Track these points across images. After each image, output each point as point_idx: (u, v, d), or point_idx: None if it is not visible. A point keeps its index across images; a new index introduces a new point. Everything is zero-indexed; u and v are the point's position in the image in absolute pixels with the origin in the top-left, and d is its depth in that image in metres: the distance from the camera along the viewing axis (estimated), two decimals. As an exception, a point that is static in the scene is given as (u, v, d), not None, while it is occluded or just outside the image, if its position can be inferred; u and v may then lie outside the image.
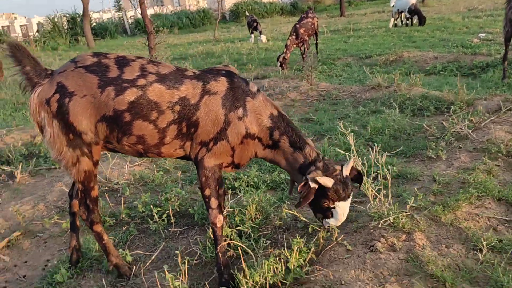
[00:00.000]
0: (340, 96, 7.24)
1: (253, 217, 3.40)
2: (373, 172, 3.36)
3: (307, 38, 10.59)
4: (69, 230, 3.16)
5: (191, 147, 2.71)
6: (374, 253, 2.74)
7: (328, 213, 2.78)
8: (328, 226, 2.86)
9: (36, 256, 3.42)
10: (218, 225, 2.74)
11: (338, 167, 2.72)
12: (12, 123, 7.43)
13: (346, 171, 2.73)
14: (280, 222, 3.35)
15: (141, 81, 2.59)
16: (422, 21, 16.31)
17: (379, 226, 2.97)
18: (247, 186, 4.09)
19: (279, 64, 10.26)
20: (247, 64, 11.75)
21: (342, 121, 4.43)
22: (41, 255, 3.43)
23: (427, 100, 6.09)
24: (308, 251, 2.77)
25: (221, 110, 2.66)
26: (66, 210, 4.07)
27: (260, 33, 18.23)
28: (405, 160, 4.39)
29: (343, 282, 2.52)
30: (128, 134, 2.62)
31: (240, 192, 3.87)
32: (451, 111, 5.50)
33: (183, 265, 2.61)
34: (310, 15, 10.90)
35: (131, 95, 2.54)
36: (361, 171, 2.92)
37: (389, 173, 3.21)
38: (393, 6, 17.66)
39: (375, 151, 3.24)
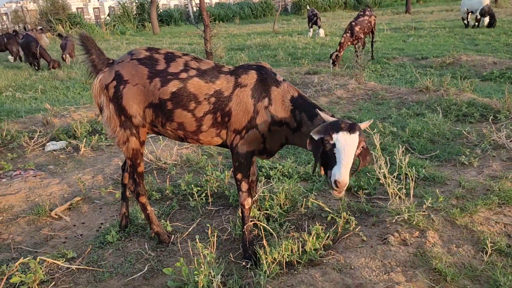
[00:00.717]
0: (386, 97, 7.32)
1: (282, 203, 3.72)
2: (397, 172, 3.54)
3: (362, 36, 10.61)
4: (121, 199, 3.65)
5: (227, 135, 3.05)
6: (386, 245, 2.98)
7: (332, 159, 2.55)
8: (335, 182, 2.50)
9: (92, 219, 3.94)
10: (246, 206, 3.08)
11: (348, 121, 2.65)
12: (80, 101, 8.20)
13: (361, 124, 2.68)
14: (306, 210, 3.65)
15: (183, 75, 2.96)
16: (493, 23, 15.61)
17: (395, 222, 3.19)
18: (282, 175, 4.40)
19: (331, 61, 10.38)
20: (301, 59, 11.96)
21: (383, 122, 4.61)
22: (96, 218, 3.95)
23: (473, 106, 6.07)
24: (326, 237, 3.05)
25: (250, 101, 2.93)
26: (120, 182, 4.60)
27: (319, 27, 18.26)
28: (438, 164, 4.50)
29: (352, 267, 2.78)
30: (170, 121, 3.01)
31: (273, 180, 4.19)
32: (490, 119, 5.47)
33: (212, 237, 2.99)
34: (367, 13, 10.89)
35: (173, 86, 2.93)
36: (368, 150, 2.74)
37: (413, 174, 3.40)
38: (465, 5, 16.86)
39: (400, 152, 3.42)
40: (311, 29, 18.80)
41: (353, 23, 10.51)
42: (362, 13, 10.94)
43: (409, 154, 4.81)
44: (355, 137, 2.52)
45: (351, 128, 2.53)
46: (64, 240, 3.62)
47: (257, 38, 18.12)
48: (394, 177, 3.58)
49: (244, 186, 3.06)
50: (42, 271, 2.94)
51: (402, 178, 3.47)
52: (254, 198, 3.48)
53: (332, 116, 2.81)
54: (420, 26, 18.50)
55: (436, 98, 6.64)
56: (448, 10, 26.56)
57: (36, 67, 12.77)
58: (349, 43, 10.52)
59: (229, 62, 11.49)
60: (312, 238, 2.98)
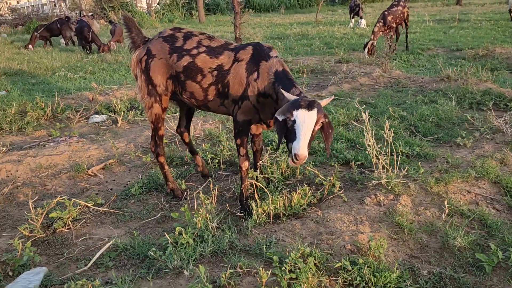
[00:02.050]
0: (408, 85, 7.56)
1: (283, 171, 4.21)
2: (384, 146, 3.93)
3: (394, 26, 10.74)
4: (191, 155, 4.36)
5: (229, 105, 3.56)
6: (361, 205, 3.41)
7: (292, 135, 2.79)
8: (295, 156, 2.74)
9: (121, 177, 4.60)
10: (244, 168, 3.56)
11: (311, 99, 2.85)
12: (123, 82, 8.99)
13: (321, 101, 2.88)
14: (302, 177, 4.11)
15: (194, 51, 3.49)
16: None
17: (375, 187, 3.60)
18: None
19: (366, 50, 10.59)
20: (335, 48, 12.24)
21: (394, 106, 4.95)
22: (125, 177, 4.61)
23: (488, 95, 6.24)
24: (311, 196, 3.52)
25: (244, 74, 3.30)
26: (148, 149, 5.26)
27: (361, 18, 18.30)
28: (435, 145, 4.81)
29: (328, 220, 3.24)
30: (184, 90, 3.57)
31: (278, 151, 4.67)
32: (491, 105, 5.65)
33: (214, 190, 3.54)
34: (401, 3, 11.00)
35: (185, 61, 3.48)
36: (330, 125, 2.96)
37: (400, 150, 3.79)
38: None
39: (387, 127, 3.80)
40: (353, 20, 18.87)
41: (386, 13, 10.67)
42: (396, 2, 11.05)
43: (413, 135, 5.15)
44: (313, 113, 2.76)
45: (310, 106, 2.75)
46: (97, 192, 4.29)
47: (298, 28, 18.45)
48: (386, 151, 3.98)
49: (242, 150, 3.53)
50: (75, 211, 3.60)
51: (394, 154, 3.85)
52: (258, 164, 3.99)
53: (300, 94, 3.03)
54: (466, 18, 18.12)
55: (454, 87, 6.82)
56: (502, 2, 25.57)
57: (88, 51, 13.82)
58: (381, 32, 10.68)
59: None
60: (298, 195, 3.46)
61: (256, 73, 3.29)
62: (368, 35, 15.12)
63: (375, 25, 10.74)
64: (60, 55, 13.53)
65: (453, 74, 7.28)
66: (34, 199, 3.87)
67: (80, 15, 15.61)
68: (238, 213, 3.53)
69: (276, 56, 3.34)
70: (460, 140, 4.65)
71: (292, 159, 2.81)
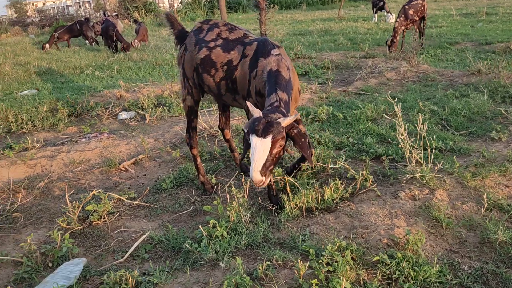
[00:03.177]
0: (437, 79, 7.41)
1: (313, 165, 4.18)
2: (417, 139, 3.86)
3: (417, 19, 10.48)
4: (231, 152, 4.39)
5: (240, 101, 3.43)
6: (396, 199, 3.36)
7: (250, 156, 2.70)
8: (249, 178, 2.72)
9: (152, 172, 4.66)
10: None
11: (279, 115, 2.70)
12: (149, 80, 9.10)
13: (282, 120, 2.66)
14: (333, 171, 4.08)
15: (211, 44, 3.42)
16: None
17: (410, 181, 3.55)
18: (318, 143, 4.84)
19: (387, 47, 10.42)
20: (360, 44, 12.09)
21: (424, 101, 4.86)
22: (155, 172, 4.66)
23: (522, 88, 6.06)
24: (343, 190, 3.49)
25: (247, 70, 3.17)
26: (177, 144, 5.31)
27: (389, 12, 18.00)
28: (469, 139, 4.69)
29: (362, 214, 3.21)
30: (202, 83, 3.57)
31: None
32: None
33: (246, 184, 3.55)
34: (420, -4, 10.73)
35: (202, 53, 3.45)
36: (301, 135, 2.77)
37: (434, 144, 3.72)
38: None
39: (420, 121, 3.73)
40: (376, 15, 18.62)
41: (406, 7, 10.44)
42: (415, -4, 10.78)
43: (445, 130, 5.05)
44: (267, 141, 2.58)
45: (264, 132, 2.57)
46: (128, 186, 4.36)
47: (320, 24, 18.29)
48: (418, 145, 3.91)
49: None
50: (110, 205, 3.66)
51: (427, 149, 3.78)
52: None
53: (273, 104, 2.78)
54: (494, 11, 17.64)
55: (486, 81, 6.65)
56: (531, -5, 24.79)
57: (113, 50, 14.02)
58: (403, 27, 10.42)
59: (288, 46, 11.91)
60: (330, 189, 3.43)
61: (255, 71, 3.13)
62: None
63: (396, 21, 10.50)
64: (87, 54, 13.78)
65: (483, 67, 7.11)
66: (69, 193, 3.95)
67: (105, 15, 15.82)
68: (270, 207, 3.53)
69: (278, 54, 3.10)
70: (495, 134, 4.53)
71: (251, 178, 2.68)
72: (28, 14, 36.94)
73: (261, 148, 2.59)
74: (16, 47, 16.74)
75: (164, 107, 6.88)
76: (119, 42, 13.95)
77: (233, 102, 3.58)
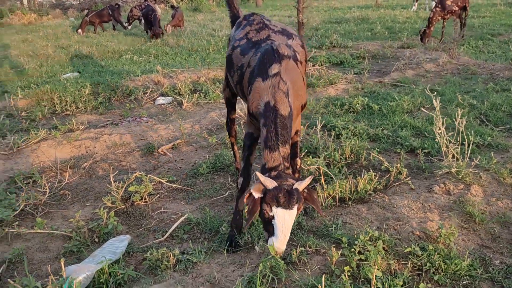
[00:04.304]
0: (478, 72, 7.24)
1: (347, 156, 4.24)
2: (455, 134, 3.85)
3: (456, 9, 10.05)
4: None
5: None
6: (430, 193, 3.39)
7: (269, 227, 2.47)
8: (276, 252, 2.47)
9: (189, 156, 4.83)
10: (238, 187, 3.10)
11: (292, 181, 2.47)
12: (185, 65, 9.28)
13: (298, 185, 2.44)
14: (367, 163, 4.13)
15: (237, 43, 3.32)
16: None
17: (445, 176, 3.56)
18: (353, 135, 4.87)
19: (420, 37, 10.13)
20: (398, 33, 11.89)
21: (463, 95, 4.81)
22: (192, 156, 4.83)
23: None
24: (377, 182, 3.55)
25: (247, 83, 3.00)
26: (213, 131, 5.46)
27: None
28: (507, 135, 4.62)
29: (395, 206, 3.26)
30: (227, 81, 3.61)
31: (341, 137, 4.67)
32: None
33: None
34: (461, -16, 10.32)
35: (228, 51, 3.41)
36: (311, 193, 2.55)
37: (471, 139, 3.71)
38: None
39: (459, 115, 3.72)
40: (416, 3, 18.14)
41: (444, -4, 10.07)
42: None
43: (484, 125, 4.98)
44: (294, 212, 2.41)
45: (290, 204, 2.39)
46: (167, 169, 4.54)
47: (357, 11, 18.01)
48: (456, 140, 3.90)
49: (239, 179, 3.05)
50: (151, 187, 3.85)
51: (464, 143, 3.77)
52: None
53: (280, 164, 2.56)
54: (542, 1, 16.90)
55: (529, 75, 6.47)
56: None
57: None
58: (439, 17, 10.05)
59: (323, 35, 11.84)
60: (364, 180, 3.49)
61: (251, 86, 2.87)
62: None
63: (431, 11, 10.14)
64: (125, 39, 14.11)
65: (528, 61, 6.90)
66: (113, 174, 4.17)
67: (145, 0, 16.05)
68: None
69: (275, 75, 2.72)
70: (536, 131, 4.45)
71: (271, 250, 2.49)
72: (66, -3, 37.82)
73: (289, 220, 2.42)
74: (57, 30, 17.29)
75: (201, 93, 7.04)
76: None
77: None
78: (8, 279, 2.44)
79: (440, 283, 2.48)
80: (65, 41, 14.01)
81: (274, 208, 2.39)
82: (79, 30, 15.69)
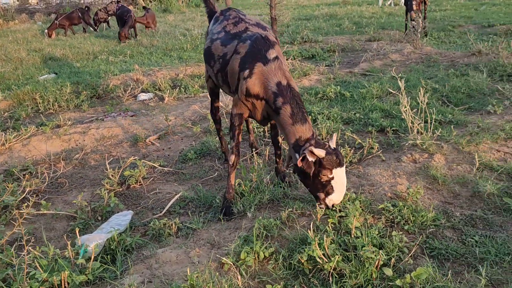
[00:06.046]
0: (439, 60, 7.78)
1: (324, 137, 4.62)
2: (419, 111, 4.29)
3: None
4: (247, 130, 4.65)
5: (233, 93, 3.41)
6: (398, 163, 3.80)
7: (328, 188, 2.88)
8: (333, 205, 2.96)
9: (175, 145, 5.11)
10: (230, 162, 3.37)
11: (325, 143, 2.92)
12: (162, 64, 9.51)
13: (333, 144, 2.92)
14: (341, 141, 4.52)
15: (215, 36, 3.62)
16: None
17: (411, 148, 3.98)
18: (327, 119, 5.26)
19: (412, 21, 10.57)
20: (365, 27, 12.42)
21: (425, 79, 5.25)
22: (179, 145, 5.11)
23: (519, 67, 6.44)
24: (352, 156, 3.93)
25: (237, 68, 3.20)
26: (197, 121, 5.75)
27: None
28: (466, 113, 5.11)
29: (369, 174, 3.65)
30: (207, 71, 3.92)
31: (318, 121, 5.06)
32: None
33: (265, 151, 3.99)
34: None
35: (206, 44, 3.71)
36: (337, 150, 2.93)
37: (433, 115, 4.14)
38: None
39: (422, 94, 4.15)
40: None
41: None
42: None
43: (445, 105, 5.46)
44: (344, 167, 2.91)
45: (342, 161, 2.87)
46: (156, 157, 4.81)
47: (325, 8, 18.56)
48: (420, 117, 4.33)
49: (232, 143, 3.36)
50: (144, 171, 4.12)
51: (428, 121, 4.20)
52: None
53: (313, 133, 2.96)
54: (498, -6, 17.85)
55: (486, 61, 7.03)
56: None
57: (133, 36, 14.30)
58: (417, 7, 10.60)
59: (294, 31, 12.26)
60: (341, 154, 3.87)
61: (247, 71, 3.12)
62: (397, 14, 15.18)
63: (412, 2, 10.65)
64: (98, 41, 14.16)
65: (484, 48, 7.47)
66: (108, 161, 4.41)
67: (118, 2, 16.02)
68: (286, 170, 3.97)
69: (275, 58, 3.08)
70: (491, 108, 4.94)
71: (327, 207, 2.97)
72: (30, 1, 37.08)
73: (344, 175, 2.91)
74: (27, 34, 17.10)
75: (181, 88, 7.31)
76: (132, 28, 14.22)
77: (229, 93, 3.69)
78: (29, 247, 2.67)
79: (409, 232, 2.88)
80: (37, 44, 13.93)
81: (334, 170, 2.83)
82: (47, 31, 15.56)
